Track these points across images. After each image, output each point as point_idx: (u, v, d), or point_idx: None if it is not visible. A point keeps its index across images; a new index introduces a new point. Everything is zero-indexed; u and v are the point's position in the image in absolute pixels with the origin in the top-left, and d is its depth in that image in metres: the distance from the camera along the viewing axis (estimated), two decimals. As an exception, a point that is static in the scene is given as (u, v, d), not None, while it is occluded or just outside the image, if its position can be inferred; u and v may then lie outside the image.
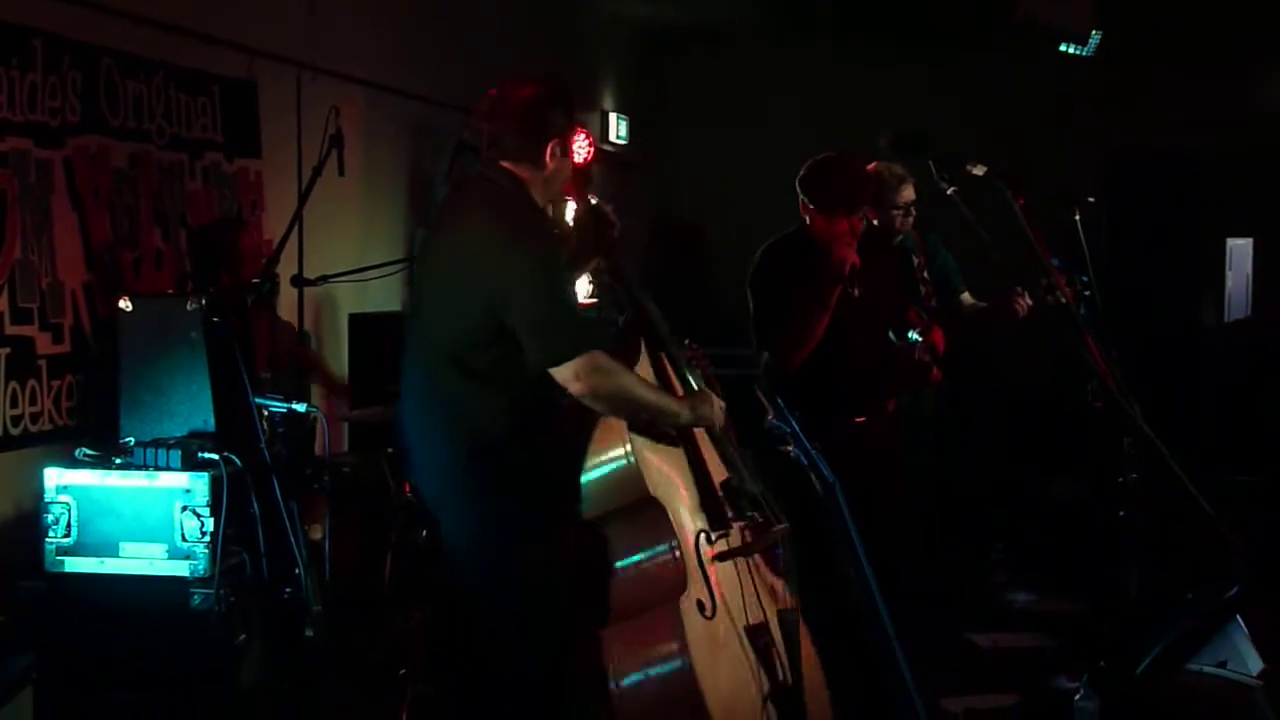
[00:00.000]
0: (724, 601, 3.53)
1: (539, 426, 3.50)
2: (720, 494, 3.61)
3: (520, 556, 3.49)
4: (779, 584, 3.71)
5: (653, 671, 3.43)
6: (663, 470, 3.56)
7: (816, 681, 3.68)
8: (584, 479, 3.52)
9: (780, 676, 3.54)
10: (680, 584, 3.46)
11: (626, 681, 3.43)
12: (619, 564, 3.50)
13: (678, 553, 3.47)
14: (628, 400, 3.44)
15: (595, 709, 3.48)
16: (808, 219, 4.75)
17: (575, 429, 3.54)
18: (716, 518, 3.60)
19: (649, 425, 3.54)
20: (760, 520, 3.57)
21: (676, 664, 3.41)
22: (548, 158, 3.53)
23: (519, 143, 3.54)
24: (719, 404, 3.60)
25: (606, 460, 3.51)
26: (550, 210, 3.73)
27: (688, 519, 3.56)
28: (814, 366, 4.57)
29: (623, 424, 3.50)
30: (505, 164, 3.56)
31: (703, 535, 3.55)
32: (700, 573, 3.51)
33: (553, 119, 3.54)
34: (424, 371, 3.59)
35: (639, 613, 3.48)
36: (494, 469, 3.46)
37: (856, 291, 4.67)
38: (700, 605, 3.47)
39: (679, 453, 3.63)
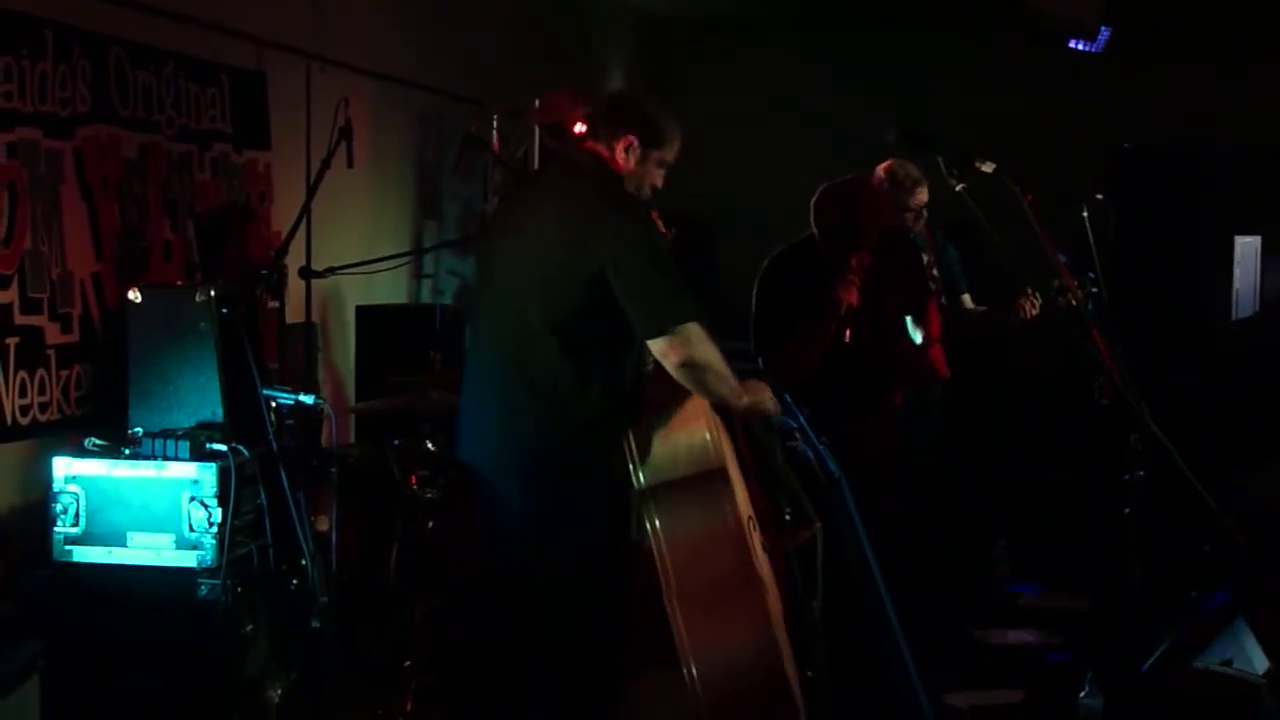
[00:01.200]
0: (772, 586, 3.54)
1: (632, 406, 3.55)
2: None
3: (604, 531, 3.56)
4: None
5: (740, 645, 3.41)
6: (726, 454, 3.57)
7: None
8: (658, 447, 3.51)
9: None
10: (748, 556, 3.45)
11: (709, 655, 3.39)
12: (689, 532, 3.50)
13: (743, 525, 3.50)
14: (716, 372, 3.49)
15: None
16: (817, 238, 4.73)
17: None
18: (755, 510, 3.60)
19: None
20: (794, 518, 3.57)
21: (763, 640, 3.40)
22: (620, 149, 3.61)
23: (600, 122, 3.66)
24: (771, 395, 3.61)
25: (686, 432, 3.51)
26: None
27: (741, 504, 3.56)
28: (821, 365, 4.57)
29: (705, 402, 3.53)
30: (590, 144, 3.65)
31: (750, 521, 3.55)
32: (751, 554, 3.51)
33: (633, 121, 3.63)
34: (510, 350, 3.61)
35: (711, 587, 3.46)
36: (591, 450, 3.53)
37: (849, 336, 4.66)
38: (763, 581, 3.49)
39: (728, 440, 3.63)
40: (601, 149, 3.63)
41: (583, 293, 3.49)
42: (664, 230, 3.73)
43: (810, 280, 4.64)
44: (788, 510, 3.59)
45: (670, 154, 3.67)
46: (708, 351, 3.47)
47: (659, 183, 3.70)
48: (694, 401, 3.54)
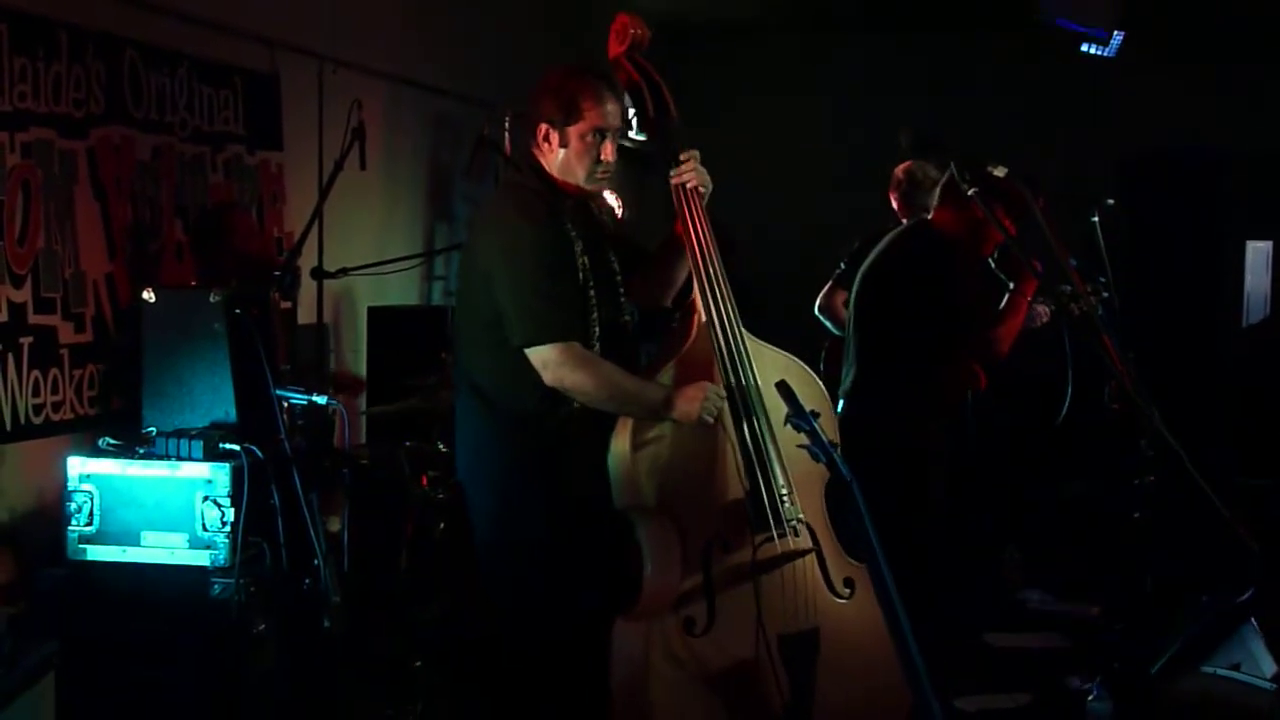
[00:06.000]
0: (732, 616, 3.45)
1: (576, 412, 3.49)
2: (744, 503, 3.50)
3: (543, 537, 3.52)
4: (818, 600, 3.59)
5: (619, 671, 3.44)
6: (677, 470, 3.48)
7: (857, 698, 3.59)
8: (613, 467, 3.48)
9: (776, 703, 3.46)
10: (659, 600, 3.45)
11: (614, 671, 3.45)
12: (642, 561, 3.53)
13: (660, 568, 3.48)
14: (593, 395, 3.43)
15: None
16: (968, 213, 4.63)
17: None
18: (733, 528, 3.50)
19: (653, 420, 3.46)
20: (778, 535, 3.49)
21: (633, 676, 3.41)
22: (540, 138, 3.55)
23: (524, 125, 3.62)
24: (706, 400, 3.42)
25: (614, 456, 3.47)
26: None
27: (701, 524, 3.48)
28: (922, 369, 4.55)
29: (628, 419, 3.46)
30: (533, 149, 3.60)
31: (716, 544, 3.48)
32: (702, 586, 3.46)
33: (542, 106, 3.55)
34: (460, 357, 3.64)
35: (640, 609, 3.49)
36: (526, 453, 3.51)
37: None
38: (689, 622, 3.43)
39: (712, 452, 3.51)
40: (534, 149, 3.58)
41: (488, 300, 3.48)
42: (602, 225, 3.69)
43: (952, 261, 4.59)
44: (770, 528, 3.50)
45: (595, 119, 3.51)
46: (576, 371, 3.40)
47: (607, 155, 3.55)
48: (619, 421, 3.47)
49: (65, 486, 3.89)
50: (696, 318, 3.58)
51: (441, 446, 4.76)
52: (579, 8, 8.42)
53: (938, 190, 4.73)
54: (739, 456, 3.49)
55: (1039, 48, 8.18)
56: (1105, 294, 4.58)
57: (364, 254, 5.68)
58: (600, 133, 3.53)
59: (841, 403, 4.56)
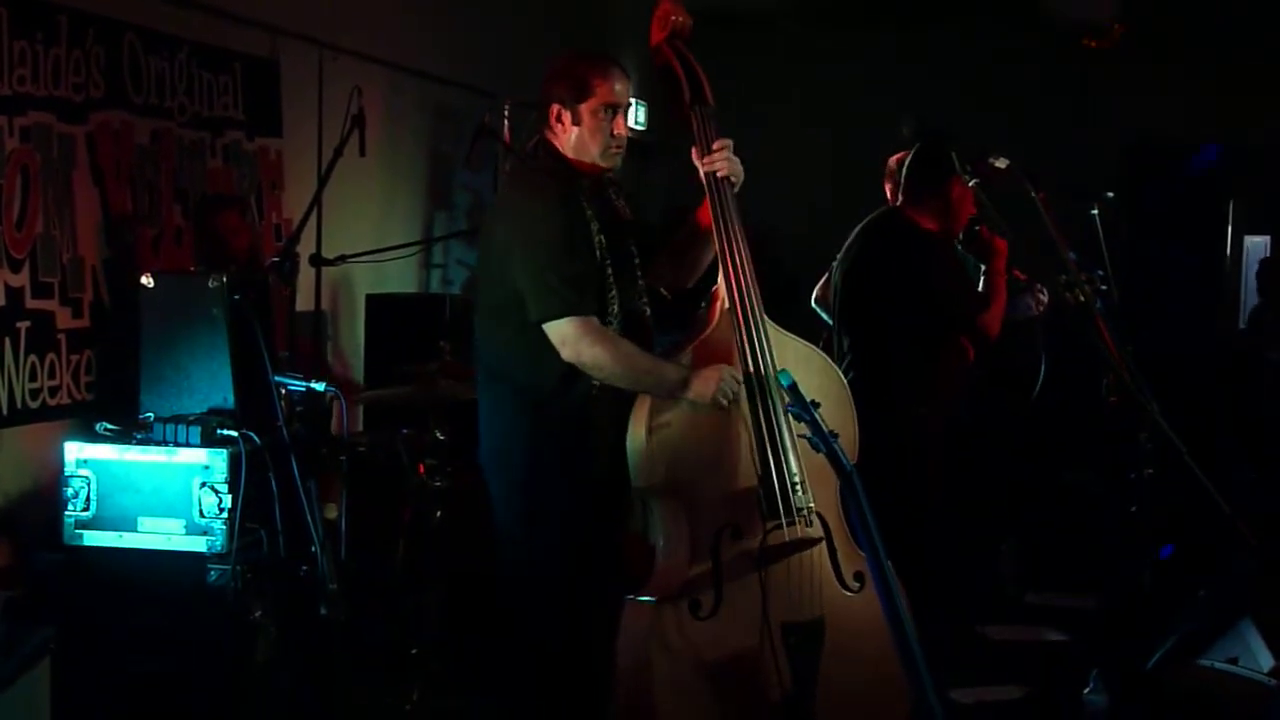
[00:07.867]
0: (738, 601, 3.45)
1: (596, 391, 3.50)
2: (757, 490, 3.49)
3: (558, 524, 3.53)
4: (825, 590, 3.58)
5: (624, 651, 3.44)
6: (691, 455, 3.49)
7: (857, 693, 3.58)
8: (630, 445, 3.48)
9: (777, 691, 3.46)
10: (668, 582, 3.45)
11: (619, 655, 3.45)
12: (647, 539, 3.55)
13: (671, 550, 3.47)
14: (610, 370, 3.44)
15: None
16: (940, 198, 4.60)
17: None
18: (745, 514, 3.50)
19: (673, 401, 3.47)
20: (786, 524, 3.47)
21: (637, 657, 3.41)
22: (553, 120, 3.57)
23: (538, 108, 3.62)
24: (722, 382, 3.43)
25: (631, 438, 3.47)
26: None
27: (713, 508, 3.49)
28: (901, 357, 4.54)
29: (646, 402, 3.46)
30: (546, 133, 3.62)
31: (727, 529, 3.48)
32: (711, 570, 3.46)
33: (553, 87, 3.57)
34: (477, 339, 3.65)
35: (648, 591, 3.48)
36: (547, 434, 3.50)
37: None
38: (695, 605, 3.43)
39: (727, 437, 3.50)
40: (547, 131, 3.60)
41: (506, 282, 3.50)
42: (619, 209, 3.69)
43: (926, 246, 4.57)
44: (780, 516, 3.49)
45: (605, 95, 3.54)
46: (594, 347, 3.41)
47: (619, 129, 3.58)
48: (636, 403, 3.47)
49: (62, 471, 3.88)
50: (720, 304, 3.59)
51: (439, 434, 4.75)
52: (579, -3, 8.42)
53: (903, 175, 4.70)
54: (754, 443, 3.50)
55: (1039, 39, 8.18)
56: (1104, 287, 4.58)
57: (363, 241, 5.67)
58: (611, 108, 3.56)
59: None
